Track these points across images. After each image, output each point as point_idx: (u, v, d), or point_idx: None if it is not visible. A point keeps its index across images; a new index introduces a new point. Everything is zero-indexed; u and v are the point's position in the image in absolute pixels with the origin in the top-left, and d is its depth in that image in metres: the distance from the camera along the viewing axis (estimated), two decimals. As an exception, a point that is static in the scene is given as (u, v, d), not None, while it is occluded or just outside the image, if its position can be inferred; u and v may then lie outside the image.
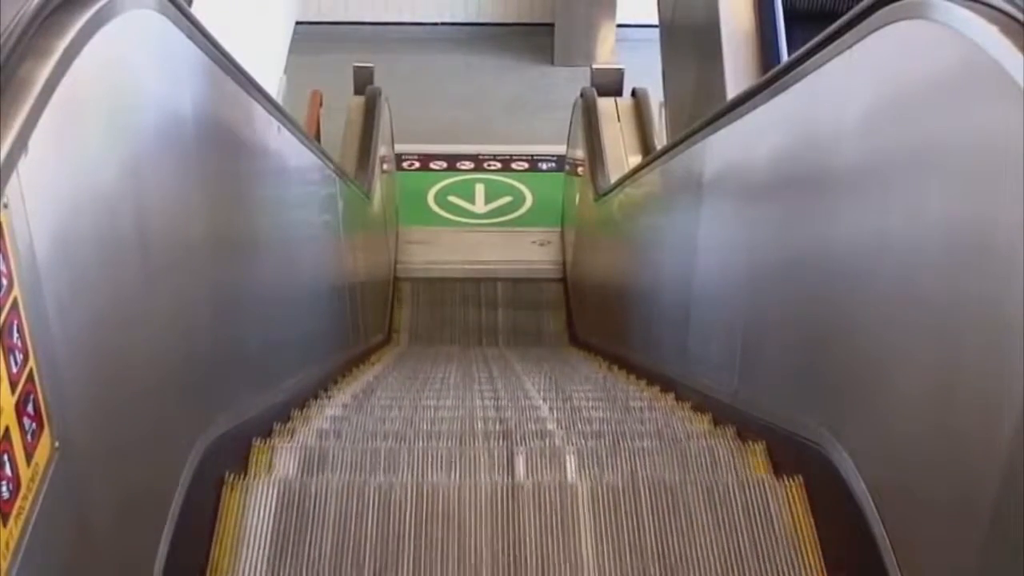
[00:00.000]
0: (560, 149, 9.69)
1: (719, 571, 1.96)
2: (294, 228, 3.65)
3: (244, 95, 2.62)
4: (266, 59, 9.73)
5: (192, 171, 2.09)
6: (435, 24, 13.05)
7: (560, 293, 8.28)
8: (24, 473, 1.17)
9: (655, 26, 7.88)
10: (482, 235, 8.96)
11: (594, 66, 9.10)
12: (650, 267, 4.74)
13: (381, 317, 7.32)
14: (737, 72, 5.28)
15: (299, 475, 2.27)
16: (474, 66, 12.30)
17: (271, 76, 9.69)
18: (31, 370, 1.20)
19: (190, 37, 2.04)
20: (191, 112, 2.08)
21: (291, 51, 11.71)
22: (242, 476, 2.14)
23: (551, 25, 12.54)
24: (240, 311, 2.55)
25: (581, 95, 8.45)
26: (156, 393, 1.77)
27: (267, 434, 2.65)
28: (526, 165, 10.18)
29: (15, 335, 1.17)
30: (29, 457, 1.19)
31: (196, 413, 2.02)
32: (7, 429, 1.14)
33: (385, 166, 7.95)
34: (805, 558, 1.97)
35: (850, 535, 1.87)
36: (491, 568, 1.94)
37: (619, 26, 12.29)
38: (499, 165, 10.16)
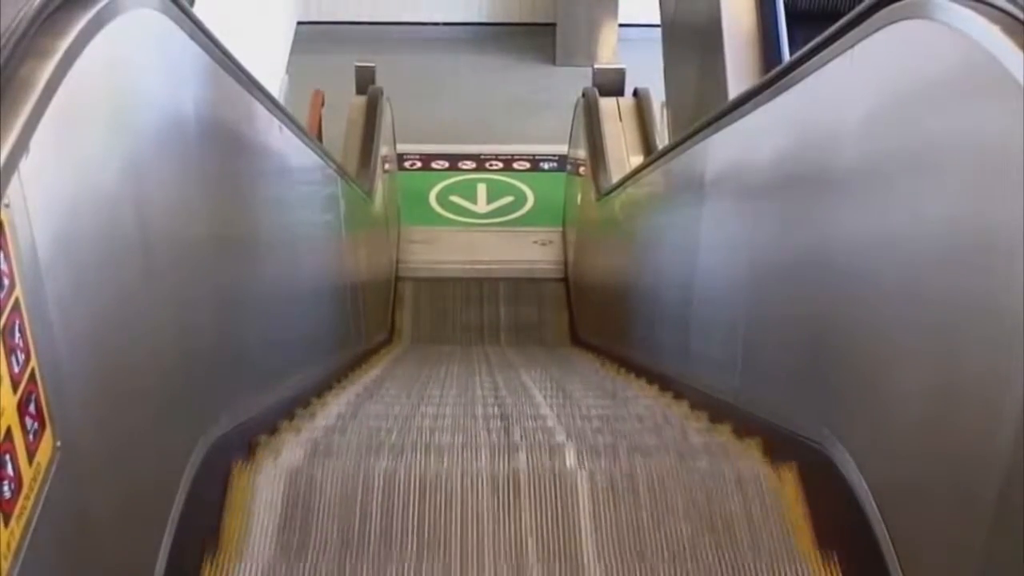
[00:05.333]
0: (562, 149, 9.69)
1: (717, 565, 1.95)
2: (296, 228, 3.65)
3: (246, 95, 2.62)
4: (268, 59, 9.74)
5: (194, 171, 2.09)
6: (437, 24, 13.06)
7: (562, 293, 8.27)
8: (26, 473, 1.17)
9: (657, 26, 7.88)
10: (484, 235, 8.96)
11: (596, 66, 9.11)
12: (652, 267, 4.74)
13: (383, 316, 7.33)
14: (739, 72, 5.28)
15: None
16: (476, 66, 12.30)
17: (273, 76, 9.70)
18: (33, 370, 1.20)
19: (192, 37, 2.04)
20: (193, 112, 2.08)
21: (293, 51, 11.72)
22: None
23: (553, 25, 12.55)
24: (243, 311, 2.55)
25: (583, 95, 8.45)
26: (158, 393, 1.77)
27: (272, 432, 2.65)
28: (528, 165, 10.19)
29: (17, 335, 1.17)
30: (31, 457, 1.19)
31: (198, 413, 2.02)
32: (9, 429, 1.14)
33: (387, 166, 7.96)
34: (805, 556, 1.97)
35: (851, 534, 1.87)
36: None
37: (621, 26, 12.29)
38: (501, 165, 10.16)
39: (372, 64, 8.75)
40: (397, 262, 8.36)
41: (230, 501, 2.07)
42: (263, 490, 2.12)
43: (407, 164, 10.05)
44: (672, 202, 4.33)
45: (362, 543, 1.99)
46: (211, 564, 1.89)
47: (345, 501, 2.08)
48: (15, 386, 1.16)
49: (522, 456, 2.37)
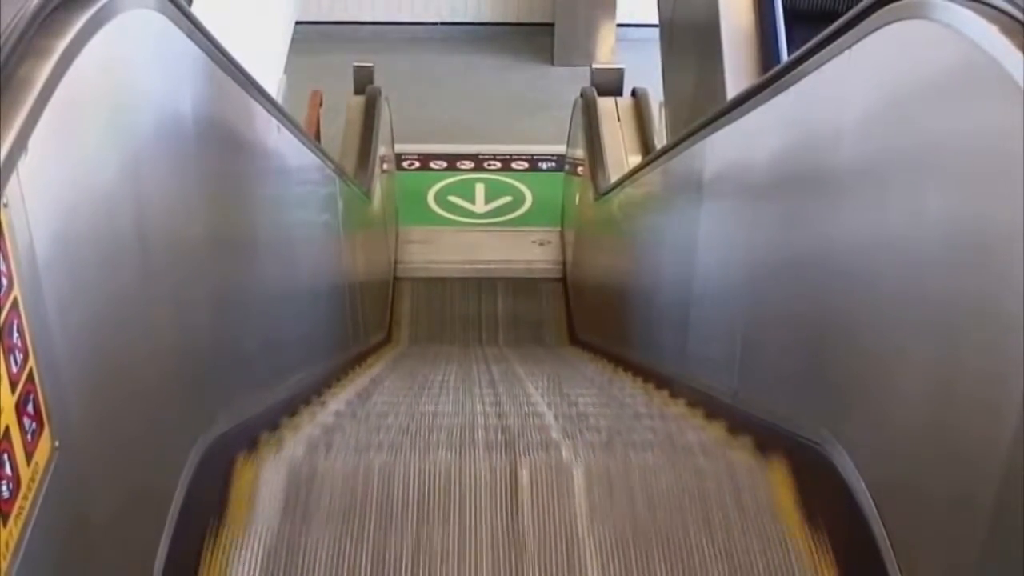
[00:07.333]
0: (560, 149, 9.69)
1: (718, 564, 1.96)
2: (294, 228, 3.65)
3: (244, 95, 2.62)
4: (266, 59, 9.71)
5: (192, 171, 2.09)
6: (435, 24, 13.06)
7: (560, 293, 8.27)
8: (24, 473, 1.17)
9: (655, 26, 7.88)
10: (482, 235, 8.96)
11: (594, 66, 9.11)
12: (650, 267, 4.74)
13: (381, 317, 7.32)
14: (737, 72, 5.28)
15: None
16: (474, 66, 12.30)
17: (271, 76, 9.68)
18: (31, 370, 1.20)
19: (190, 36, 2.04)
20: (191, 112, 2.08)
21: (291, 51, 11.70)
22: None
23: (551, 25, 12.55)
24: (241, 310, 2.55)
25: (581, 95, 8.45)
26: (156, 392, 1.77)
27: (271, 431, 2.65)
28: (526, 165, 10.18)
29: (15, 335, 1.17)
30: (29, 457, 1.19)
31: (196, 412, 2.02)
32: (7, 429, 1.14)
33: (385, 166, 7.95)
34: (803, 557, 1.97)
35: (849, 534, 1.87)
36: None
37: (619, 26, 12.30)
38: (499, 165, 10.16)
39: (370, 64, 8.75)
40: (395, 262, 8.36)
41: (229, 500, 2.07)
42: (264, 488, 2.12)
43: (405, 164, 10.05)
44: (670, 202, 4.33)
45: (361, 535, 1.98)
46: (209, 562, 1.89)
47: (345, 493, 2.09)
48: (13, 386, 1.16)
49: (524, 462, 2.37)
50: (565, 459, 2.40)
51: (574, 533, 2.03)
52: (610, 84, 8.55)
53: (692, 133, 3.54)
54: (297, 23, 12.40)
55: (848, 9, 1.99)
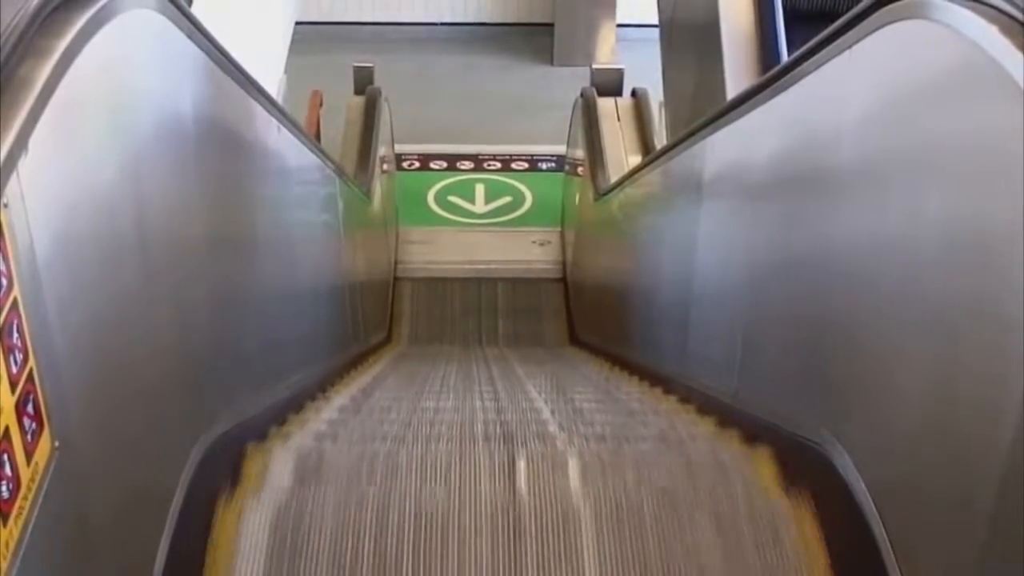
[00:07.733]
0: (560, 149, 9.70)
1: (721, 566, 1.96)
2: (294, 228, 3.65)
3: (244, 95, 2.62)
4: (266, 59, 9.72)
5: (192, 171, 2.09)
6: (435, 24, 13.07)
7: (560, 293, 8.28)
8: (24, 473, 1.17)
9: (655, 26, 7.89)
10: (482, 235, 8.96)
11: (594, 66, 9.12)
12: (650, 267, 4.75)
13: (381, 317, 7.32)
14: (737, 72, 5.28)
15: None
16: (474, 66, 12.31)
17: (271, 76, 9.69)
18: (31, 370, 1.20)
19: (190, 37, 2.04)
20: (191, 112, 2.08)
21: (291, 51, 11.71)
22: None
23: (551, 25, 12.56)
24: (242, 310, 2.55)
25: (581, 95, 8.46)
26: (156, 392, 1.77)
27: (268, 434, 2.65)
28: (526, 165, 10.19)
29: (15, 335, 1.17)
30: (29, 457, 1.19)
31: (197, 412, 2.02)
32: (7, 429, 1.14)
33: (385, 166, 7.96)
34: (805, 557, 1.97)
35: (850, 535, 1.87)
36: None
37: (619, 26, 12.31)
38: (499, 165, 10.16)
39: (370, 64, 8.76)
40: (395, 262, 8.36)
41: (230, 499, 2.07)
42: (264, 487, 2.12)
43: (405, 164, 10.05)
44: (670, 202, 4.33)
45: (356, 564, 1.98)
46: (213, 560, 1.89)
47: (341, 503, 2.09)
48: (13, 386, 1.16)
49: (522, 462, 2.37)
50: (560, 450, 2.41)
51: (570, 515, 2.03)
52: (610, 84, 8.55)
53: (692, 133, 3.54)
54: (297, 23, 12.40)
55: (848, 9, 1.99)
